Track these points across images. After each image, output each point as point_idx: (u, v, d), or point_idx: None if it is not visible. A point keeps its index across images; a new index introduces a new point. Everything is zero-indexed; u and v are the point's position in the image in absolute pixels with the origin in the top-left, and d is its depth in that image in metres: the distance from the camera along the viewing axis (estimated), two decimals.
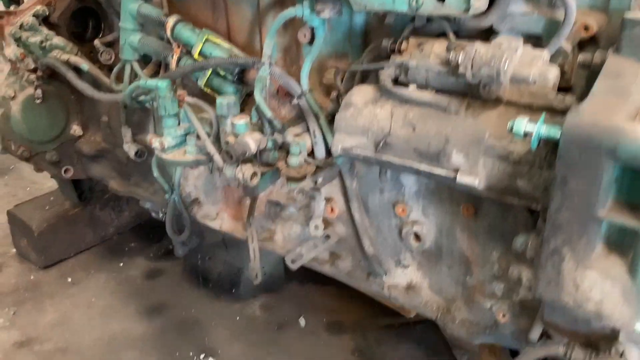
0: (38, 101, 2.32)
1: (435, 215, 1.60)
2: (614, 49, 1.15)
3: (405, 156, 1.37)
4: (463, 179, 1.27)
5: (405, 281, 1.75)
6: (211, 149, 1.68)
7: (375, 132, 1.40)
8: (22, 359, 2.35)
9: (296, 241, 1.97)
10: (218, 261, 2.88)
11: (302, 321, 2.56)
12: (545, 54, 1.25)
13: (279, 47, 1.86)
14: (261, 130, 1.71)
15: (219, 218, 2.21)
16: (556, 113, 1.21)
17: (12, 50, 2.20)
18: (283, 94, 1.87)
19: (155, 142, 1.81)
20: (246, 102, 1.96)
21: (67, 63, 2.17)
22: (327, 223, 1.85)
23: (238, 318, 2.59)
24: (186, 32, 1.88)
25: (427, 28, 1.44)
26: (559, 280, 1.11)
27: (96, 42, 2.30)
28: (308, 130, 1.74)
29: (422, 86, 1.38)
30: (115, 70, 2.17)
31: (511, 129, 1.09)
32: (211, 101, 1.90)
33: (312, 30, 1.67)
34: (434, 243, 1.64)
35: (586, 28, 1.29)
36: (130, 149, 2.28)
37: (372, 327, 2.20)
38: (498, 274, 1.53)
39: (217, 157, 1.67)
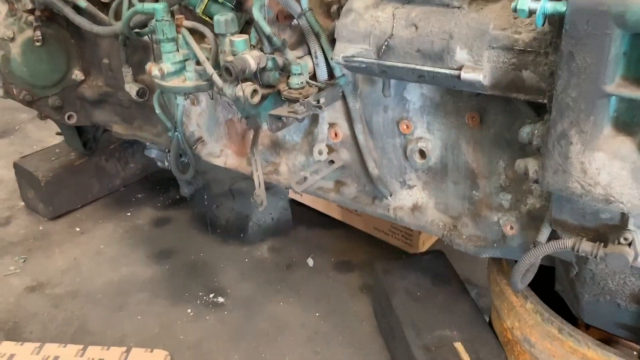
0: (38, 44, 2.30)
1: (440, 130, 1.57)
2: None
3: (408, 59, 1.33)
4: (468, 75, 1.23)
5: (411, 202, 1.73)
6: (210, 69, 1.66)
7: (377, 35, 1.36)
8: (34, 302, 2.37)
9: (300, 170, 1.95)
10: (226, 209, 2.89)
11: (310, 261, 2.56)
12: None
13: None
14: (261, 50, 1.67)
15: (223, 155, 2.19)
16: None
17: None
18: (283, 18, 1.83)
19: (154, 70, 1.78)
20: (245, 30, 1.92)
21: (64, 0, 2.14)
22: (330, 149, 1.83)
23: (246, 260, 2.60)
24: None
25: None
26: (566, 166, 1.08)
27: None
28: (309, 52, 1.71)
29: None
30: (113, 6, 2.13)
31: (515, 8, 1.05)
32: (210, 29, 1.88)
33: None
34: (439, 159, 1.61)
35: None
36: (131, 88, 2.26)
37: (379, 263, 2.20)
38: (505, 185, 1.50)
39: (217, 77, 1.64)
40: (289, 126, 1.79)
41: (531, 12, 1.04)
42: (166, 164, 2.97)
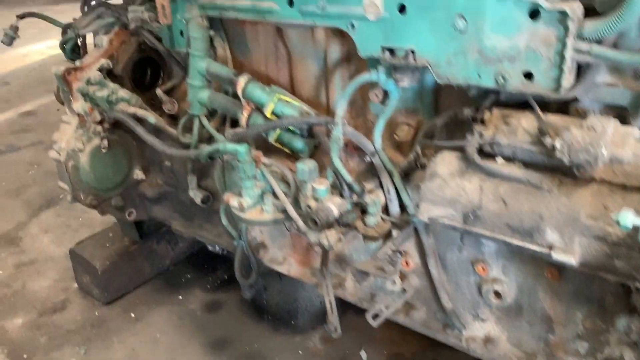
0: (104, 150, 2.39)
1: (517, 275, 1.63)
2: None
3: (496, 230, 1.40)
4: (559, 256, 1.30)
5: (484, 334, 1.79)
6: (294, 214, 1.72)
7: (464, 204, 1.44)
8: None
9: (368, 289, 2.01)
10: (274, 291, 2.95)
11: (363, 354, 2.61)
12: (635, 131, 1.27)
13: None
14: (339, 192, 1.75)
15: (286, 263, 2.26)
16: None
17: (80, 105, 2.26)
18: (352, 148, 1.91)
19: (233, 202, 1.87)
20: (314, 153, 2.00)
21: (135, 116, 2.23)
22: (402, 276, 1.89)
23: (300, 352, 2.65)
24: (257, 91, 1.92)
25: (510, 98, 1.47)
26: None
27: (158, 91, 2.36)
28: (381, 186, 1.78)
29: (509, 159, 1.41)
30: (182, 122, 2.22)
31: (617, 221, 1.12)
32: (277, 152, 1.96)
33: (385, 92, 1.70)
34: (514, 301, 1.67)
35: None
36: (196, 195, 2.34)
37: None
38: (582, 334, 1.56)
39: (301, 223, 1.71)
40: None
41: (636, 228, 1.10)
42: (217, 248, 3.05)
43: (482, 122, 1.47)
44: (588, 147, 1.21)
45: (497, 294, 1.68)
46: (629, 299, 1.30)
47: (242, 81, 1.93)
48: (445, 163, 1.50)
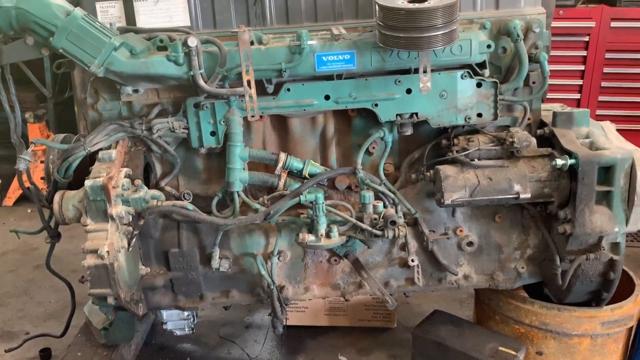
0: (130, 249, 2.65)
1: (477, 228, 2.90)
2: None
3: (488, 194, 2.65)
4: (523, 196, 2.63)
5: (462, 274, 2.97)
6: (366, 227, 2.60)
7: (470, 186, 2.64)
8: None
9: (381, 280, 2.95)
10: None
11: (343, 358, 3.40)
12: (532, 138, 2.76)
13: None
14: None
15: (309, 291, 2.97)
16: None
17: (121, 209, 2.51)
18: (354, 186, 2.90)
19: (311, 237, 2.60)
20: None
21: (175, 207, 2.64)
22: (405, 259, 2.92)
23: None
24: (294, 161, 2.73)
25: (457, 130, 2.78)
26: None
27: (167, 188, 2.81)
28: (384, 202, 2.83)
29: (477, 158, 2.70)
30: (215, 202, 2.76)
31: (555, 164, 2.53)
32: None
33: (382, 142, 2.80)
34: (477, 244, 2.93)
35: None
36: (222, 264, 2.83)
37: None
38: (516, 246, 2.92)
39: (372, 230, 2.60)
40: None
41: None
42: (186, 330, 3.38)
43: (452, 144, 2.74)
44: (526, 140, 2.61)
45: (470, 244, 2.92)
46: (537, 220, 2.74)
47: (283, 156, 2.70)
48: (448, 169, 2.69)
